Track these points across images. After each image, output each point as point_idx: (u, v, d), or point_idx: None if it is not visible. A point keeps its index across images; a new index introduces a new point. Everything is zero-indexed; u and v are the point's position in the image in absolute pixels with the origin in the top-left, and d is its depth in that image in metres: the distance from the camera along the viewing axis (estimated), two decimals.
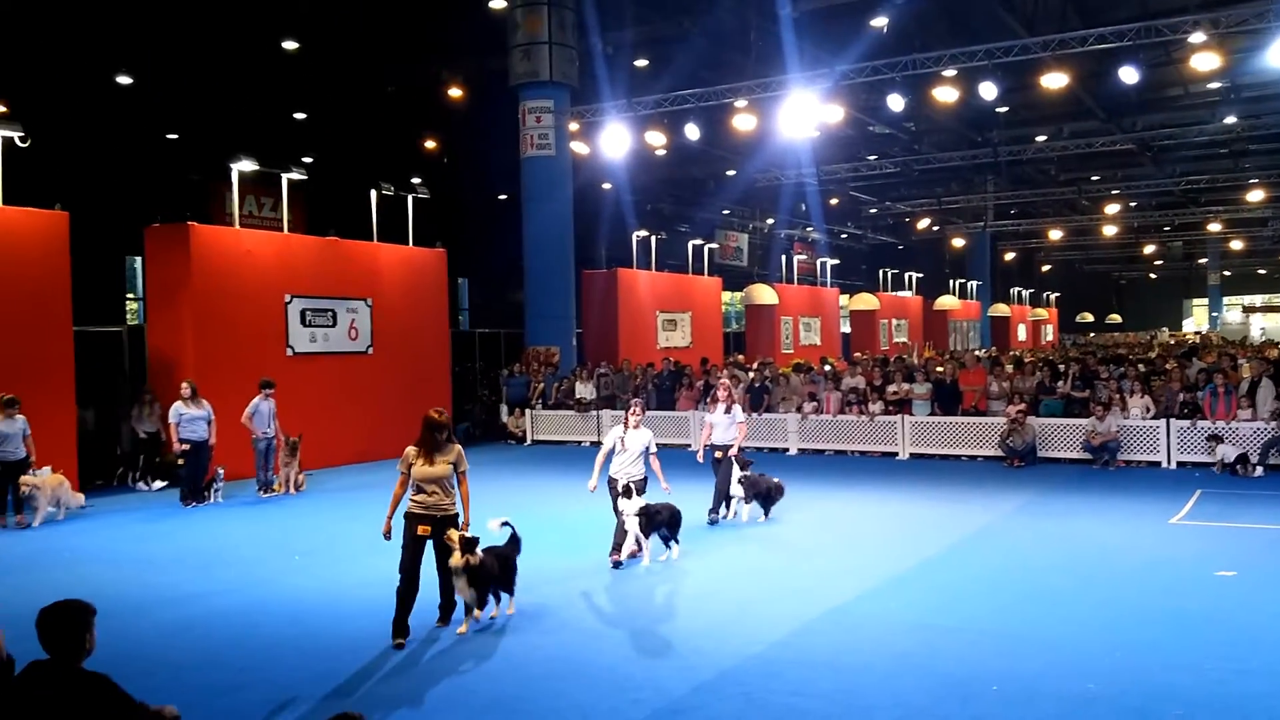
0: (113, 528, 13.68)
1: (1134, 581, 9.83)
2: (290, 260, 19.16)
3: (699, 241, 32.44)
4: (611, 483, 10.82)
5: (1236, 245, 56.95)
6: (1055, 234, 53.34)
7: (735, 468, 12.97)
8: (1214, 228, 50.56)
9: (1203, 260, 67.98)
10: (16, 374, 14.44)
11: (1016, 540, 11.98)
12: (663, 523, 10.80)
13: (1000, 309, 56.30)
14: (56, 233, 15.58)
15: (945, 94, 23.79)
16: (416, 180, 23.28)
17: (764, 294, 35.39)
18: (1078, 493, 15.36)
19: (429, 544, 8.29)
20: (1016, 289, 61.24)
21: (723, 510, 13.11)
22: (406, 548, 8.25)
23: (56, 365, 15.46)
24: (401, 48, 26.07)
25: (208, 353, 17.39)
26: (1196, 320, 76.31)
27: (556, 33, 24.11)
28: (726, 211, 43.00)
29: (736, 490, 13.01)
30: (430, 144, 31.06)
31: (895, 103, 23.53)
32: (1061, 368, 20.95)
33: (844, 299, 44.01)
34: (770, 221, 44.51)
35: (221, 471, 15.76)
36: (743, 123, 25.13)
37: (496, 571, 8.46)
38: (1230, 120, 32.02)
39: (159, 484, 16.78)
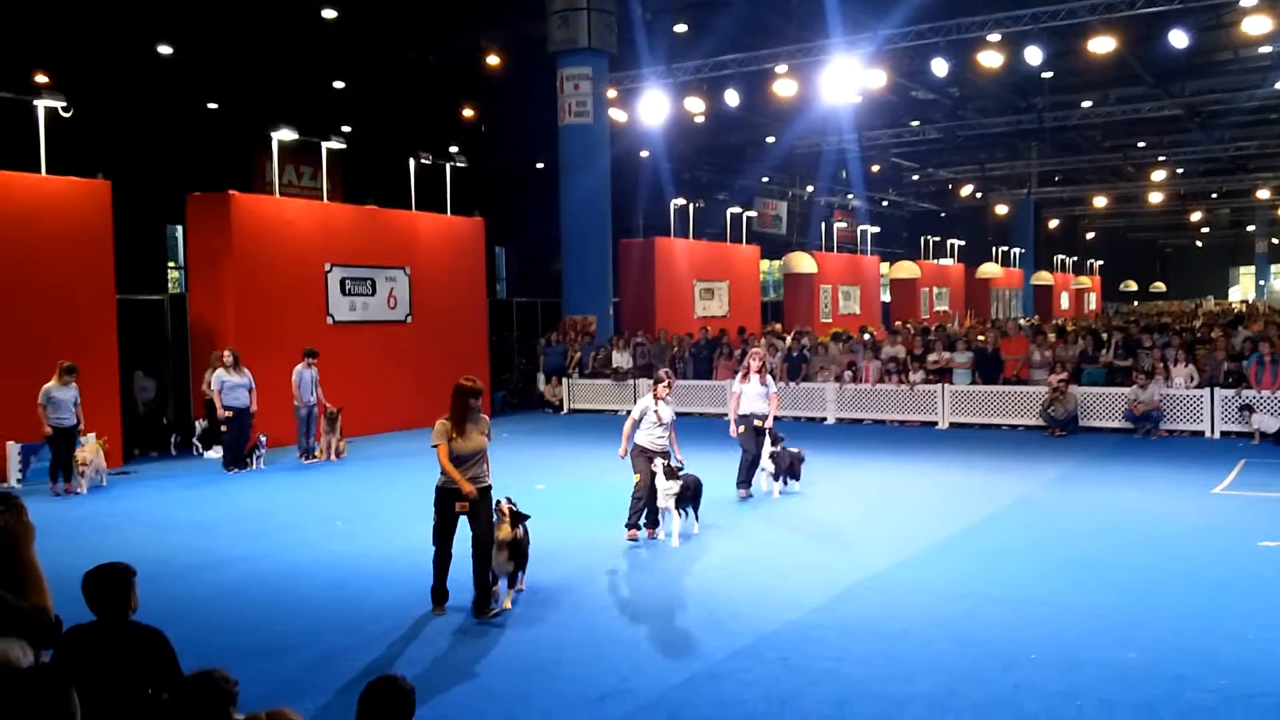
0: (156, 493, 13.91)
1: (1176, 550, 9.73)
2: (330, 229, 19.27)
3: (737, 210, 32.22)
4: (638, 452, 10.50)
5: None
6: (1100, 201, 52.50)
7: (768, 440, 12.65)
8: (1263, 195, 49.52)
9: (1250, 228, 66.67)
10: (62, 342, 14.67)
11: (1057, 509, 11.87)
12: (689, 498, 10.61)
13: (1043, 277, 55.59)
14: (99, 201, 15.76)
15: (990, 59, 23.37)
16: (454, 149, 23.29)
17: (803, 262, 35.16)
18: (1119, 462, 15.19)
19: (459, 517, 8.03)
20: (1060, 257, 60.43)
21: (763, 482, 12.79)
22: (441, 521, 8.07)
23: (100, 333, 15.69)
24: (439, 16, 26.00)
25: (248, 321, 17.56)
26: (1243, 289, 74.87)
27: None
28: (765, 179, 42.67)
29: (767, 464, 12.71)
30: (468, 113, 31.01)
31: (939, 68, 23.17)
32: (1104, 336, 20.67)
33: (884, 267, 43.63)
34: (810, 189, 44.15)
35: (264, 439, 15.97)
36: (783, 88, 24.82)
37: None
38: None
39: (213, 452, 16.77)
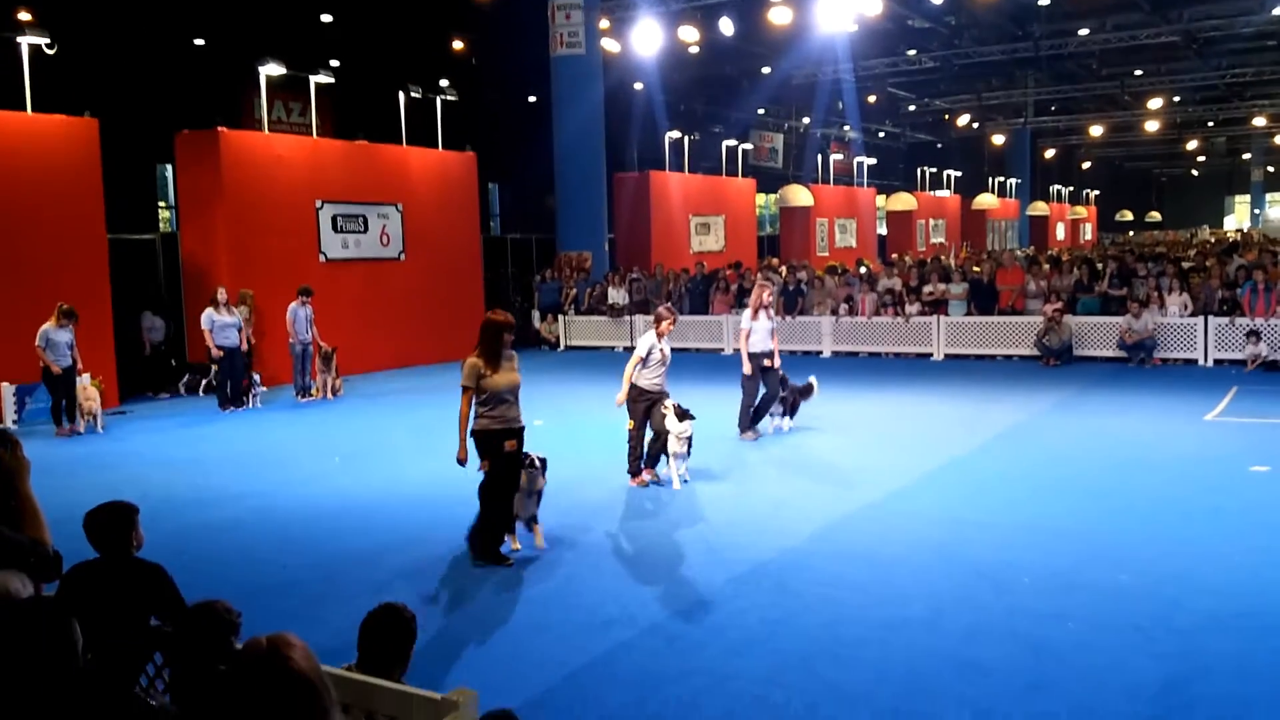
0: (154, 432, 13.96)
1: (1168, 477, 9.82)
2: (320, 165, 19.10)
3: (733, 142, 31.95)
4: (636, 395, 10.00)
5: None
6: (1096, 130, 52.12)
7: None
8: (1259, 122, 49.20)
9: (1246, 155, 66.38)
10: (54, 283, 14.59)
11: (1050, 437, 11.95)
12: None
13: (1039, 208, 55.37)
14: (87, 140, 15.59)
15: None
16: (445, 83, 22.99)
17: (799, 195, 34.95)
18: (1113, 390, 15.26)
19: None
20: (1056, 187, 60.13)
21: (775, 421, 12.51)
22: (494, 468, 7.46)
23: (92, 273, 15.61)
24: None
25: (241, 259, 17.47)
26: (1238, 217, 74.64)
27: None
28: (761, 111, 42.22)
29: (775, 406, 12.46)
30: (458, 45, 30.57)
31: None
32: (1100, 266, 20.64)
33: (880, 199, 43.38)
34: (806, 121, 43.71)
35: (259, 377, 15.98)
36: (778, 16, 24.46)
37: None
38: (1279, 11, 30.86)
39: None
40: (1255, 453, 10.57)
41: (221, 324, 15.38)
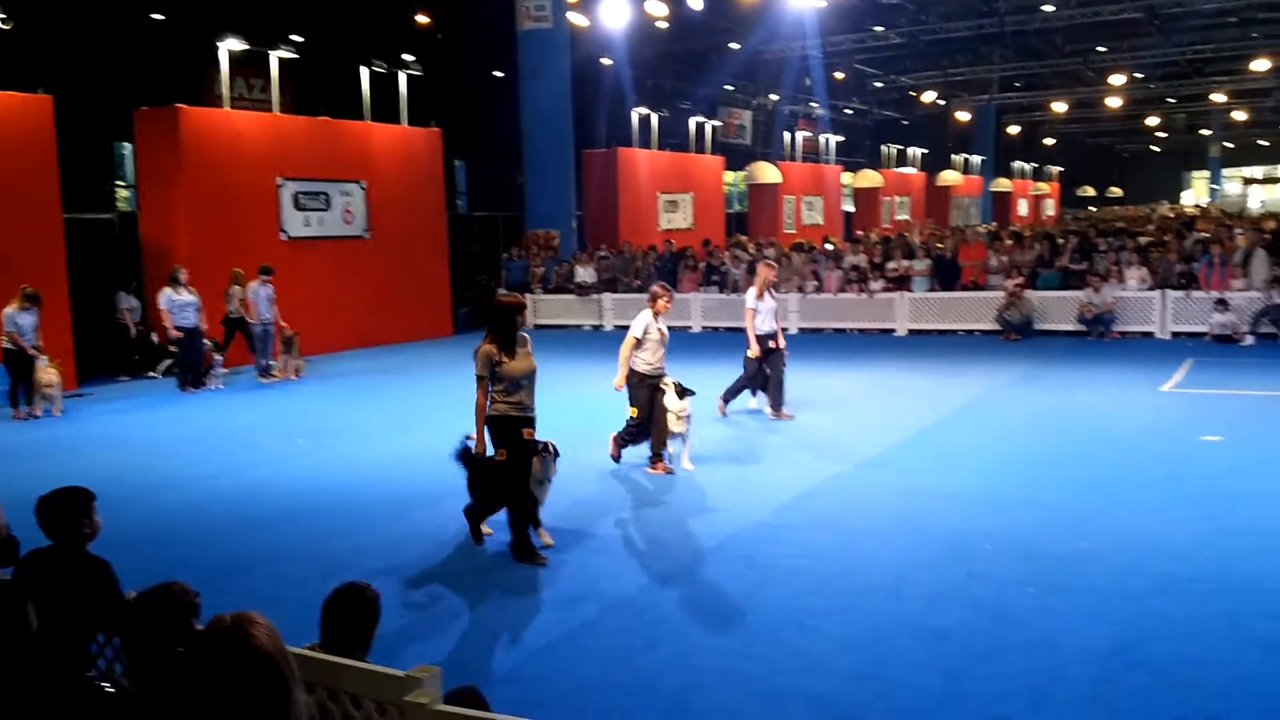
0: (114, 414, 13.80)
1: (1125, 446, 9.98)
2: (282, 142, 18.89)
3: (701, 119, 31.86)
4: (637, 380, 9.63)
5: (1239, 116, 56.15)
6: (1059, 107, 52.39)
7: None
8: (1217, 98, 49.76)
9: (1205, 132, 67.03)
10: (9, 263, 14.31)
11: (1011, 410, 12.10)
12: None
13: (1002, 184, 55.70)
14: (41, 116, 15.30)
15: None
16: (409, 57, 22.76)
17: (767, 172, 34.96)
18: (1072, 364, 15.46)
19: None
20: (1019, 164, 60.49)
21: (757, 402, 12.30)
22: (512, 457, 7.07)
23: (48, 253, 15.35)
24: None
25: (201, 238, 17.26)
26: (1196, 193, 75.47)
27: None
28: (730, 87, 42.09)
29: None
30: (423, 19, 30.22)
31: None
32: (1060, 241, 20.85)
33: (847, 177, 43.46)
34: (774, 98, 43.64)
35: (220, 358, 15.82)
36: None
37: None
38: None
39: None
40: (1208, 422, 10.78)
41: (180, 304, 15.17)
